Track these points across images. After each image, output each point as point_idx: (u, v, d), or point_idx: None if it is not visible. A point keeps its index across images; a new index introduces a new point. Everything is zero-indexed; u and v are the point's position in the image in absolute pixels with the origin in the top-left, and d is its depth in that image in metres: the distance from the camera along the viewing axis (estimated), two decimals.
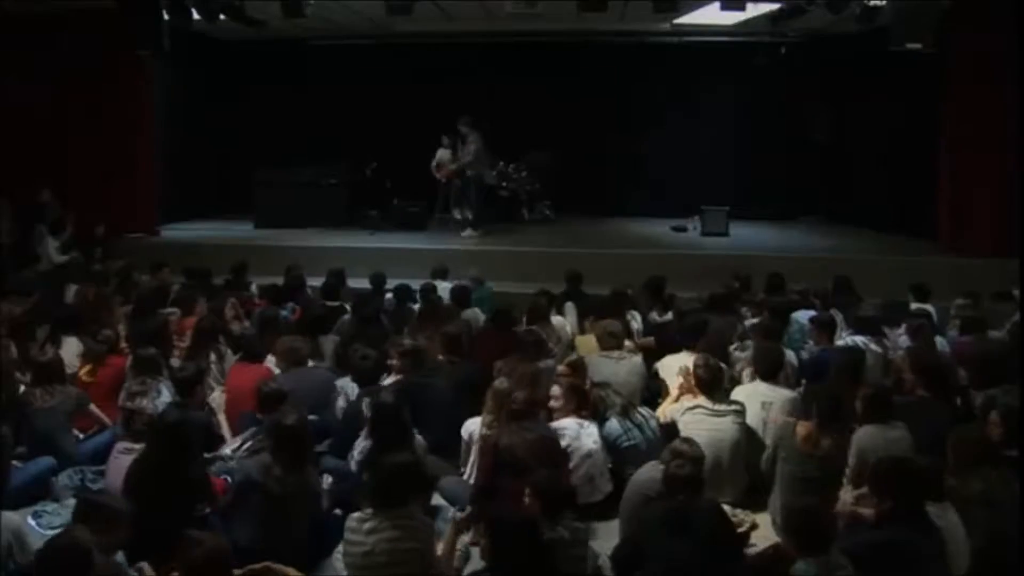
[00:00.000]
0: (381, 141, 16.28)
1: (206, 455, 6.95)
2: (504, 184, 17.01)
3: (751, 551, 5.84)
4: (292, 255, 12.81)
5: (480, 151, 15.04)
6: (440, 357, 8.10)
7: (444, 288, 10.64)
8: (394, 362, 7.87)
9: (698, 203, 15.77)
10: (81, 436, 7.55)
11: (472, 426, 6.74)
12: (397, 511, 5.14)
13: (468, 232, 15.12)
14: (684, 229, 15.96)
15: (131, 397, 7.46)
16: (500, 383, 6.80)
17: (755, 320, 9.10)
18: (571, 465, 6.42)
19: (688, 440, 5.93)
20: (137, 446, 6.31)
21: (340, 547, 5.46)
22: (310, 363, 8.21)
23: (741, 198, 16.28)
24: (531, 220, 17.02)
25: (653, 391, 7.98)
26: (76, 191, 14.39)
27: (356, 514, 5.22)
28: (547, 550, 4.83)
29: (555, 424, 6.66)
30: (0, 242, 12.87)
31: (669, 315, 9.72)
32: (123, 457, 6.34)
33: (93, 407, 7.64)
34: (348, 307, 10.20)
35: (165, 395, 7.35)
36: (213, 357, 8.45)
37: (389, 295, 10.76)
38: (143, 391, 7.40)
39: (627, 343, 8.54)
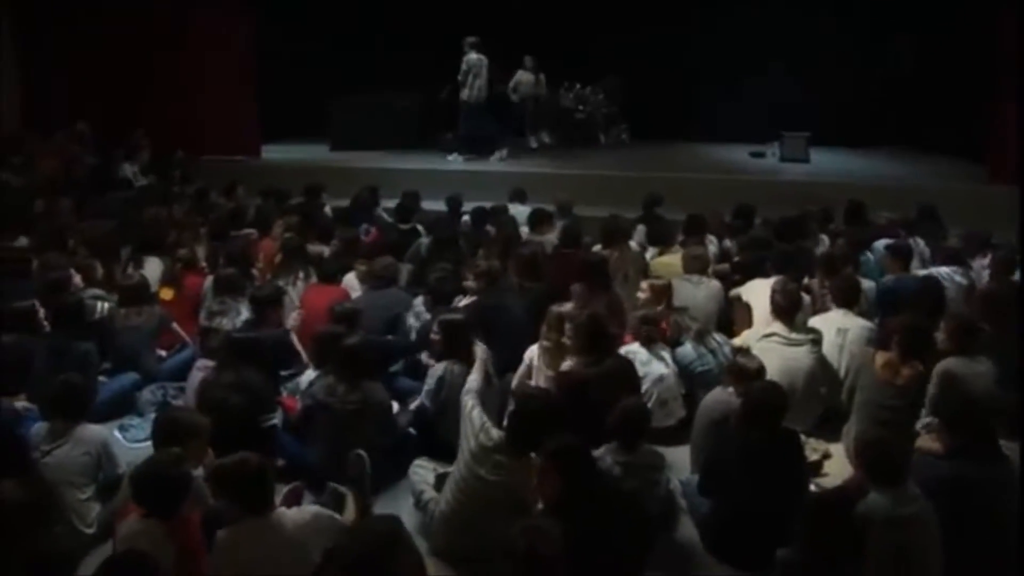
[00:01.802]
0: (457, 63, 16.13)
1: (283, 373, 7.12)
2: (580, 108, 16.82)
3: (823, 480, 5.85)
4: (367, 177, 12.83)
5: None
6: (514, 279, 8.12)
7: (523, 212, 10.60)
8: (468, 283, 7.92)
9: (778, 128, 15.46)
10: (163, 354, 7.76)
11: (535, 350, 6.75)
12: (526, 454, 5.02)
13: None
14: (763, 155, 15.68)
15: (211, 316, 7.63)
16: (564, 307, 6.78)
17: (832, 248, 8.95)
18: (642, 390, 6.41)
19: (747, 353, 5.93)
20: (214, 363, 6.47)
21: (420, 462, 5.54)
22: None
23: (823, 124, 15.88)
24: (607, 144, 16.85)
25: (729, 317, 7.94)
26: (169, 111, 14.54)
27: (494, 432, 5.15)
28: (611, 487, 4.83)
29: (626, 349, 6.65)
30: (83, 165, 13.08)
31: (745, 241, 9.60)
32: (201, 374, 6.51)
33: (175, 325, 7.83)
34: (422, 229, 10.24)
35: (244, 315, 7.49)
36: (301, 275, 8.60)
37: (465, 218, 10.78)
38: (223, 311, 7.55)
39: None
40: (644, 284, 7.65)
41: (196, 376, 6.58)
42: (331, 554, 3.99)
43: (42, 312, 7.21)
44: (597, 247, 9.19)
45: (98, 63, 14.50)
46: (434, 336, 6.60)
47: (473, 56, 14.58)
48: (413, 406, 6.47)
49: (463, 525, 5.08)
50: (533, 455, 4.85)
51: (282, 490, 5.40)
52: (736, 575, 5.07)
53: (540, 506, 4.72)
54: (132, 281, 7.97)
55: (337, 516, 4.82)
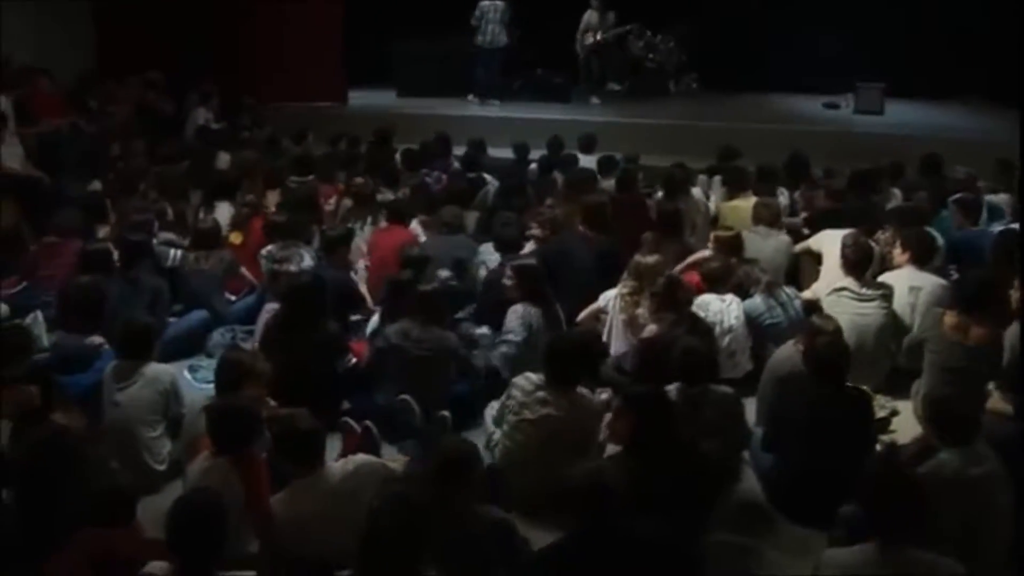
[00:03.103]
0: (525, 8, 15.97)
1: (351, 317, 7.20)
2: (650, 56, 16.60)
3: (891, 437, 5.78)
4: (435, 124, 12.82)
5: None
6: (580, 228, 8.10)
7: (590, 161, 10.53)
8: (534, 231, 7.92)
9: (852, 79, 15.11)
10: (232, 298, 7.88)
11: (610, 296, 6.74)
12: (568, 389, 5.15)
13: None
14: (836, 106, 15.35)
15: (276, 261, 7.72)
16: (646, 258, 6.76)
17: (906, 202, 8.77)
18: None
19: (823, 314, 5.87)
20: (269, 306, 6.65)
21: (494, 403, 5.60)
22: None
23: (899, 74, 15.48)
24: (677, 94, 16.63)
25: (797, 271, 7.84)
26: (246, 57, 14.60)
27: (533, 376, 5.27)
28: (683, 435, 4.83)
29: (697, 299, 6.61)
30: (156, 110, 13.24)
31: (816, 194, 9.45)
32: (265, 316, 6.68)
33: (244, 270, 7.95)
34: (488, 177, 10.25)
35: (307, 260, 7.58)
36: (370, 220, 8.65)
37: (533, 166, 10.75)
38: (287, 256, 7.63)
39: None
40: (715, 234, 7.60)
41: (264, 319, 6.69)
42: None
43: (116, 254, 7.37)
44: (661, 194, 9.14)
45: (173, 7, 14.58)
46: (507, 281, 6.62)
47: (485, 2, 14.59)
48: (502, 350, 6.44)
49: (521, 468, 5.14)
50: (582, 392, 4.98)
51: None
52: (799, 531, 5.04)
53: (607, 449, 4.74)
54: (205, 225, 8.12)
55: (386, 463, 4.90)
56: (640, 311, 6.49)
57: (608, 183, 9.54)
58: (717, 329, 6.48)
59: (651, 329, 6.26)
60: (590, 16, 15.57)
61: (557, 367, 5.23)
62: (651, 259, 6.72)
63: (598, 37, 15.27)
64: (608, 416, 5.10)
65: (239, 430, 4.47)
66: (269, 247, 7.74)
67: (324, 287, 6.43)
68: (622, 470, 3.85)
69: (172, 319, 7.38)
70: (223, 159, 11.19)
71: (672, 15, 16.46)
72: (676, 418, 4.84)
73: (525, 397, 5.20)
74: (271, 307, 6.76)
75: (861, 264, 6.70)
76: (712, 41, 16.47)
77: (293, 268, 7.39)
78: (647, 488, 3.90)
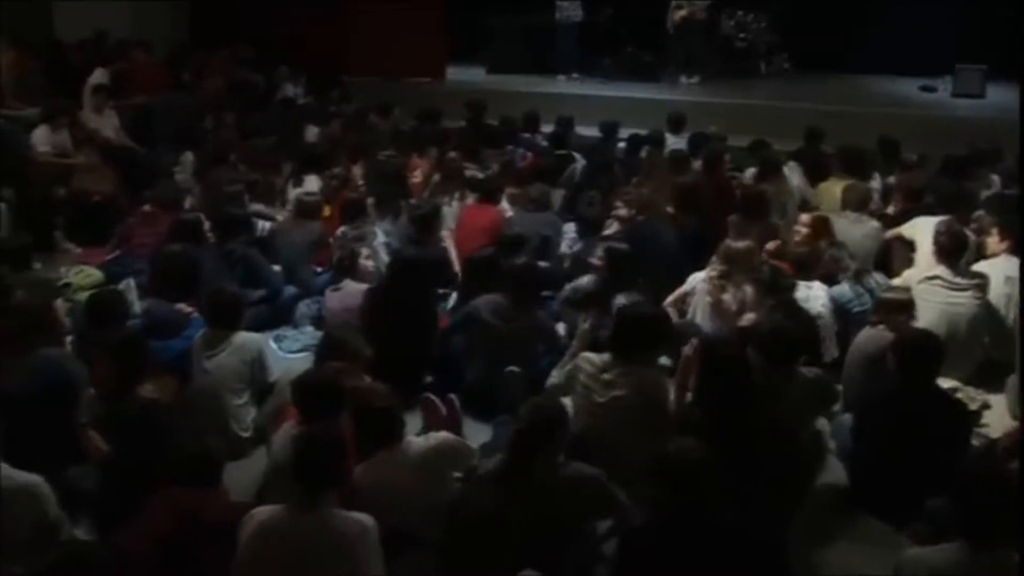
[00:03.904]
0: None
1: (441, 291, 7.25)
2: (741, 36, 16.34)
3: (982, 431, 5.64)
4: (524, 101, 12.80)
5: None
6: (668, 208, 8.04)
7: (678, 141, 10.42)
8: (620, 212, 7.88)
9: (952, 61, 14.69)
10: (319, 270, 7.98)
11: (698, 279, 6.67)
12: (636, 365, 5.10)
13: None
14: (934, 89, 14.93)
15: (347, 241, 7.79)
16: (737, 243, 6.68)
17: (1004, 190, 8.52)
18: None
19: (895, 287, 5.75)
20: (345, 285, 6.74)
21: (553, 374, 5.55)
22: None
23: (1001, 55, 14.98)
24: (768, 74, 16.36)
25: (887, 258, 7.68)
26: (340, 33, 14.72)
27: (595, 356, 5.23)
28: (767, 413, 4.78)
29: None
30: (247, 83, 13.42)
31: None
32: (331, 295, 6.84)
33: (331, 241, 8.03)
34: (576, 155, 10.21)
35: (380, 238, 7.64)
36: (458, 195, 8.69)
37: (621, 144, 10.69)
38: (360, 236, 7.70)
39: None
40: (803, 218, 7.47)
41: (328, 296, 6.87)
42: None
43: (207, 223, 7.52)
44: (749, 176, 9.02)
45: None
46: (596, 261, 6.58)
47: None
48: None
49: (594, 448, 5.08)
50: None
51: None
52: (879, 524, 4.95)
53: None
54: (306, 198, 8.22)
55: (465, 442, 4.92)
56: (726, 295, 6.43)
57: (697, 163, 9.44)
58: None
59: (749, 317, 6.20)
60: None
61: (624, 343, 5.16)
62: (742, 244, 6.63)
63: (687, 15, 15.05)
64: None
65: (323, 402, 4.53)
66: (342, 228, 7.82)
67: (422, 265, 6.48)
68: (701, 448, 3.79)
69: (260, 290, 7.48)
70: (311, 132, 11.34)
71: None
72: (757, 391, 4.78)
73: (590, 380, 5.15)
74: (332, 285, 6.90)
75: (955, 252, 6.53)
76: (805, 21, 16.13)
77: (365, 248, 7.42)
78: (725, 463, 3.84)
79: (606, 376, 5.10)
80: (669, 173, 8.80)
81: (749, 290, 6.39)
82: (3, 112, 10.82)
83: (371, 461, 4.41)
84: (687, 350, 5.07)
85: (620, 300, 6.18)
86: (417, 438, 4.61)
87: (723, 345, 4.93)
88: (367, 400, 4.50)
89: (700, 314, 6.53)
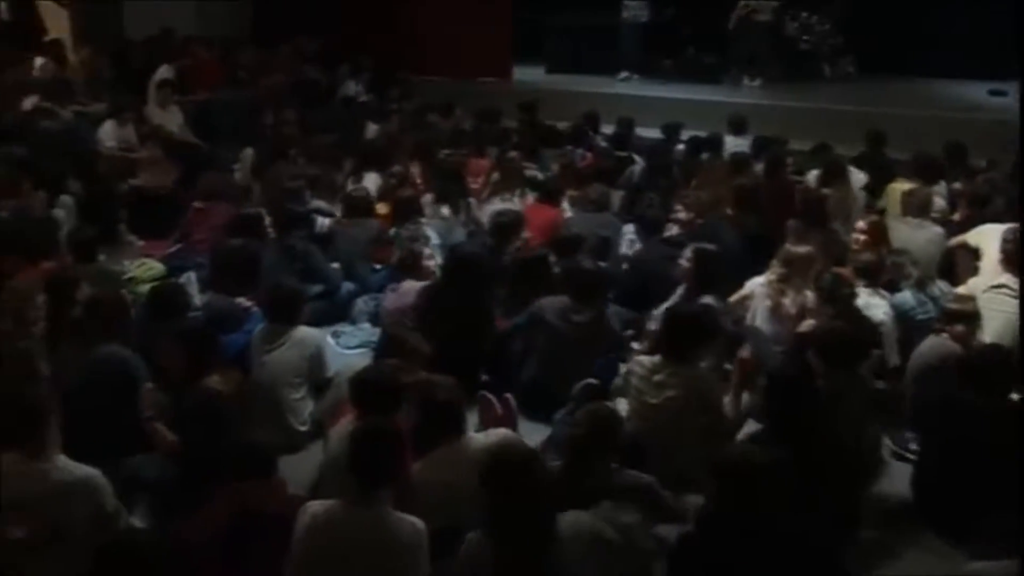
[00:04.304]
0: None
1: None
2: (805, 38, 16.14)
3: None
4: (584, 101, 12.76)
5: None
6: (728, 211, 7.97)
7: (739, 144, 10.34)
8: (680, 214, 7.82)
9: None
10: (377, 267, 8.00)
11: (757, 282, 6.62)
12: (685, 365, 5.12)
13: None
14: (1004, 93, 14.60)
15: (405, 240, 7.82)
16: (797, 247, 6.61)
17: None
18: None
19: (962, 297, 5.64)
20: (403, 284, 6.77)
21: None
22: None
23: None
24: (832, 77, 16.13)
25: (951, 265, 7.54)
26: (404, 31, 14.76)
27: (646, 359, 5.28)
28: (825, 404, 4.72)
29: None
30: (308, 80, 13.53)
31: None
32: (389, 292, 6.89)
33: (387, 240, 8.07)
34: (635, 157, 10.18)
35: (434, 239, 7.65)
36: (518, 192, 8.70)
37: (681, 146, 10.62)
38: (414, 234, 7.72)
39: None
40: (860, 224, 7.37)
41: (387, 293, 6.88)
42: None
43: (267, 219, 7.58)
44: (811, 179, 8.91)
45: None
46: (684, 263, 6.56)
47: None
48: None
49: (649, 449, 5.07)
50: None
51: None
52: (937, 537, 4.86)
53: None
54: (358, 193, 8.29)
55: (523, 439, 4.91)
56: (786, 300, 6.39)
57: (759, 166, 9.35)
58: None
59: (808, 323, 6.13)
60: None
61: (672, 343, 5.19)
62: (802, 249, 6.58)
63: (746, 14, 14.89)
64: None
65: (381, 398, 4.54)
66: (396, 228, 7.85)
67: (477, 264, 6.48)
68: (765, 455, 3.75)
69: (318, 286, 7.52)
70: (371, 130, 11.41)
71: None
72: (823, 404, 4.73)
73: (642, 383, 5.18)
74: (393, 284, 6.92)
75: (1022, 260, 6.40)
76: (871, 23, 15.89)
77: (428, 250, 7.44)
78: (788, 474, 3.79)
79: (657, 378, 5.13)
80: (730, 176, 8.72)
81: (809, 295, 6.33)
82: (73, 107, 11.02)
83: (431, 457, 4.42)
84: (742, 353, 5.03)
85: (708, 300, 6.18)
86: (477, 435, 4.61)
87: (788, 368, 4.84)
88: (431, 393, 4.51)
89: (759, 318, 6.48)
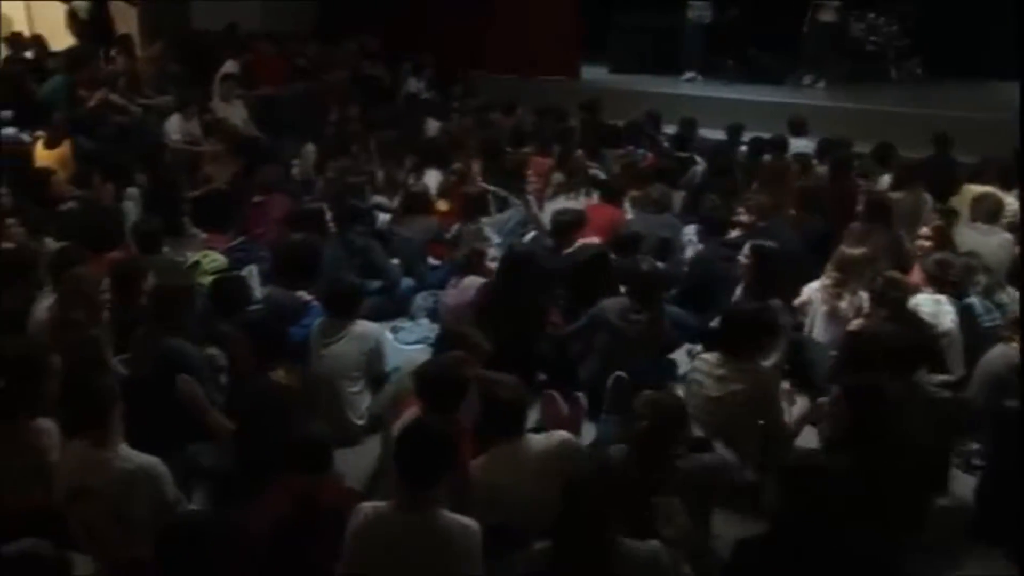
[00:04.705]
0: None
1: None
2: (871, 39, 15.89)
3: None
4: (646, 101, 12.70)
5: None
6: (791, 212, 7.88)
7: (802, 145, 10.21)
8: (742, 217, 7.74)
9: None
10: (436, 263, 8.03)
11: (814, 287, 6.54)
12: (745, 361, 5.11)
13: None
14: None
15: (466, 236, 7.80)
16: (851, 249, 6.52)
17: None
18: None
19: None
20: (463, 280, 6.73)
21: None
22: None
23: None
24: (898, 79, 15.87)
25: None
26: (469, 29, 14.74)
27: (709, 355, 5.26)
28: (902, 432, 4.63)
29: (911, 300, 6.30)
30: (370, 76, 13.61)
31: None
32: (450, 289, 6.89)
33: (448, 236, 8.08)
34: (697, 157, 10.10)
35: (494, 238, 7.64)
36: (584, 192, 8.69)
37: (743, 147, 10.53)
38: (476, 231, 7.72)
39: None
40: (924, 229, 7.24)
41: (447, 290, 6.88)
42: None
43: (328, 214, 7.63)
44: (883, 183, 8.77)
45: None
46: (743, 259, 6.51)
47: None
48: None
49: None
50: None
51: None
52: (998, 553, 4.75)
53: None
54: (416, 190, 8.31)
55: (582, 444, 4.89)
56: (843, 303, 6.33)
57: (823, 168, 9.23)
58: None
59: (857, 322, 6.05)
60: None
61: (731, 340, 5.18)
62: (856, 251, 6.50)
63: (814, 17, 14.70)
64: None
65: (446, 391, 4.53)
66: (460, 224, 7.84)
67: (534, 263, 6.46)
68: (838, 465, 3.70)
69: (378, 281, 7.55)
70: (432, 127, 11.44)
71: None
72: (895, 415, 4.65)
73: (704, 378, 5.18)
74: (455, 278, 6.91)
75: None
76: (939, 24, 15.59)
77: (492, 251, 7.43)
78: (858, 488, 3.74)
79: (720, 371, 5.12)
80: (792, 178, 8.62)
81: (865, 296, 6.25)
82: (140, 101, 11.19)
83: (491, 455, 4.40)
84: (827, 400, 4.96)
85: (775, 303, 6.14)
86: (538, 435, 4.57)
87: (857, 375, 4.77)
88: (493, 391, 4.49)
89: (817, 323, 6.42)
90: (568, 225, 7.40)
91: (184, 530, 3.50)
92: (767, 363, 5.47)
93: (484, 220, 8.03)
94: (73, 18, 13.58)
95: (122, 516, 4.00)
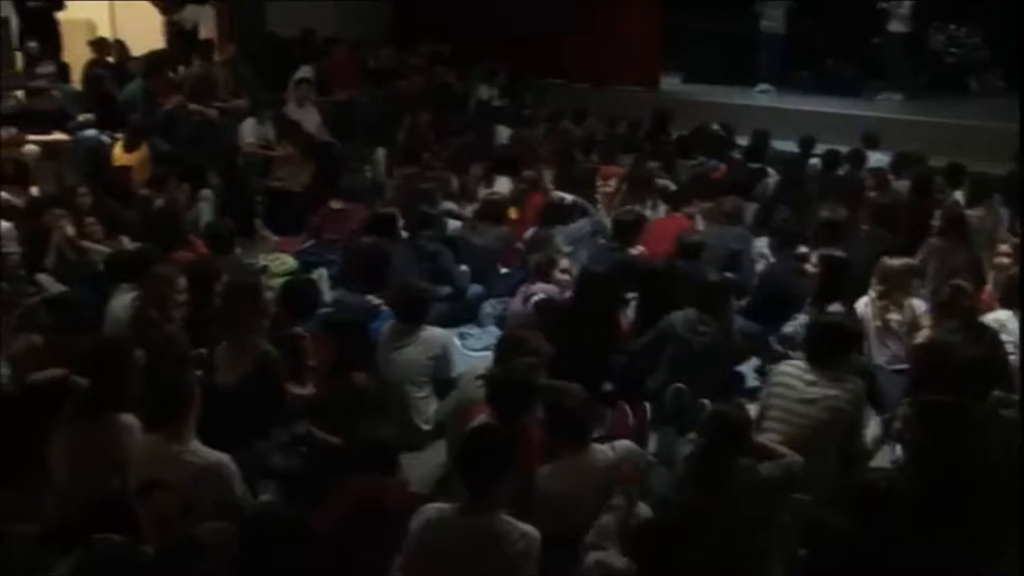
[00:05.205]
0: None
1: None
2: (952, 51, 15.60)
3: None
4: (718, 112, 12.61)
5: None
6: (864, 227, 7.75)
7: (877, 159, 10.05)
8: (814, 231, 7.65)
9: None
10: (505, 271, 8.03)
11: (862, 303, 6.42)
12: (832, 368, 5.02)
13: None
14: None
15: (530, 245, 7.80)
16: (893, 260, 6.40)
17: None
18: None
19: None
20: (533, 287, 6.73)
21: None
22: None
23: None
24: (979, 92, 15.55)
25: None
26: (542, 37, 14.74)
27: (796, 363, 5.19)
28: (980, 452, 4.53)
29: (993, 316, 6.13)
30: (443, 83, 13.67)
31: None
32: (519, 296, 6.87)
33: (519, 244, 8.08)
34: (769, 169, 10.00)
35: (566, 248, 7.62)
36: (649, 203, 8.62)
37: (815, 160, 10.39)
38: (547, 237, 7.70)
39: None
40: (1003, 247, 7.08)
41: (518, 297, 6.87)
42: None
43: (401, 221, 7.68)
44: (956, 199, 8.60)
45: None
46: (811, 269, 6.40)
47: None
48: None
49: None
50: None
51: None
52: None
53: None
54: (494, 198, 8.33)
55: (646, 455, 4.87)
56: (892, 316, 6.24)
57: (900, 183, 9.07)
58: (1010, 349, 5.99)
59: (924, 334, 5.94)
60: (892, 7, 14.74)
61: (818, 350, 5.09)
62: (898, 262, 6.40)
63: (887, 27, 14.46)
64: None
65: (516, 397, 4.54)
66: (534, 230, 7.84)
67: (611, 284, 6.42)
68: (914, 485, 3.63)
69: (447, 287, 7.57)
70: (503, 134, 11.45)
71: (978, 5, 15.39)
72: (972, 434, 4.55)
73: (795, 381, 5.06)
74: (524, 287, 6.91)
75: None
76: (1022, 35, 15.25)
77: (565, 261, 7.41)
78: (933, 508, 3.66)
79: (809, 376, 5.03)
80: (867, 191, 8.49)
81: (917, 305, 6.18)
82: (216, 104, 11.37)
83: (558, 464, 4.38)
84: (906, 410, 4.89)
85: (835, 307, 6.04)
86: (602, 446, 4.54)
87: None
88: (560, 401, 4.48)
89: (871, 340, 6.28)
90: (630, 226, 7.41)
91: (268, 524, 3.56)
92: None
93: (559, 228, 8.01)
94: (172, 27, 13.63)
95: (190, 510, 4.06)
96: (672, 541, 3.55)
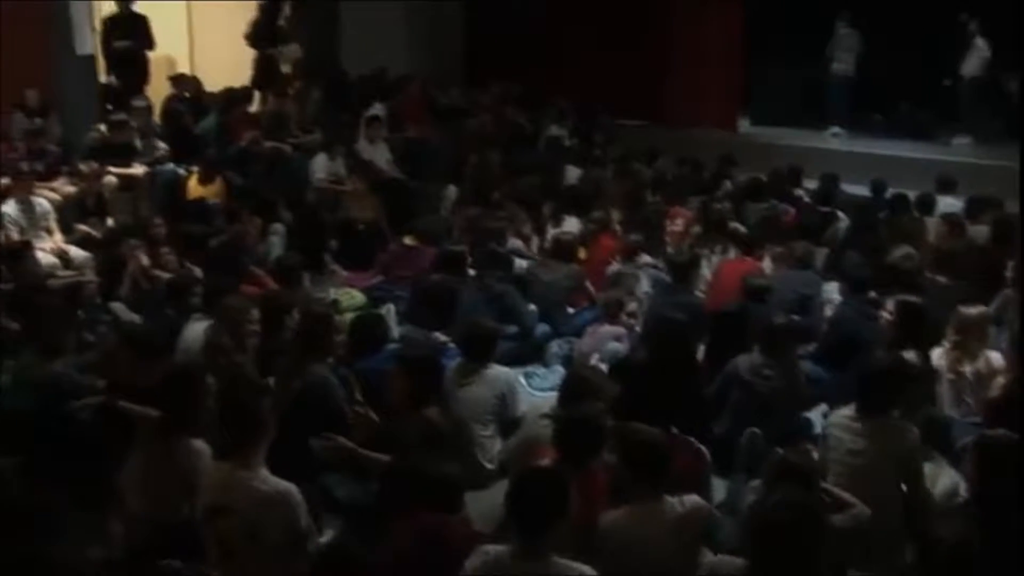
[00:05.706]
0: (893, 39, 15.12)
1: None
2: None
3: None
4: (787, 155, 12.51)
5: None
6: (932, 275, 7.63)
7: (951, 204, 9.91)
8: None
9: None
10: (572, 311, 8.01)
11: (936, 354, 6.28)
12: (880, 416, 4.96)
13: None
14: None
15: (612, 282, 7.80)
16: (972, 310, 6.25)
17: None
18: None
19: None
20: (600, 328, 6.76)
21: None
22: None
23: None
24: None
25: None
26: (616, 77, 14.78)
27: (846, 411, 5.11)
28: None
29: None
30: (513, 122, 13.75)
31: None
32: (586, 338, 6.90)
33: (588, 284, 8.07)
34: (839, 213, 9.90)
35: (644, 285, 7.60)
36: (719, 248, 8.59)
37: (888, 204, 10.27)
38: (619, 279, 7.70)
39: None
40: None
41: (588, 335, 6.88)
42: None
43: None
44: None
45: (543, 21, 15.04)
46: (887, 316, 6.35)
47: (843, 30, 14.35)
48: None
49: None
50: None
51: None
52: None
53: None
54: (566, 237, 8.37)
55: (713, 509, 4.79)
56: (966, 368, 6.09)
57: (976, 228, 8.93)
58: None
59: (999, 383, 5.85)
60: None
61: (868, 394, 5.02)
62: (975, 311, 6.24)
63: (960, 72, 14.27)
64: None
65: (586, 440, 4.51)
66: (613, 266, 7.84)
67: (681, 331, 6.35)
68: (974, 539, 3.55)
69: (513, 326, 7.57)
70: (572, 174, 11.47)
71: None
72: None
73: (843, 432, 5.02)
74: (596, 327, 6.89)
75: None
76: None
77: (633, 304, 7.41)
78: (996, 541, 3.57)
79: (857, 425, 4.97)
80: (941, 237, 8.37)
81: (994, 356, 6.05)
82: (288, 140, 11.55)
83: (627, 511, 4.32)
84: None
85: (910, 355, 5.92)
86: (673, 499, 4.48)
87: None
88: (634, 447, 4.41)
89: (946, 392, 6.14)
90: (685, 266, 7.45)
91: (341, 556, 3.64)
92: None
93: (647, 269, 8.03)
94: (265, 62, 13.48)
95: (255, 537, 4.09)
96: None
